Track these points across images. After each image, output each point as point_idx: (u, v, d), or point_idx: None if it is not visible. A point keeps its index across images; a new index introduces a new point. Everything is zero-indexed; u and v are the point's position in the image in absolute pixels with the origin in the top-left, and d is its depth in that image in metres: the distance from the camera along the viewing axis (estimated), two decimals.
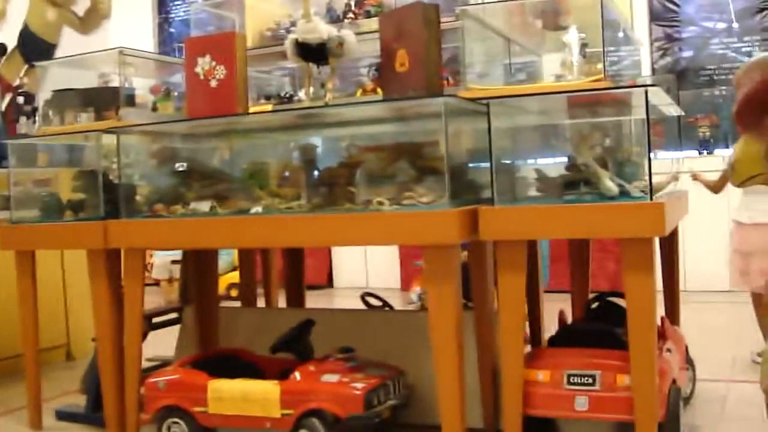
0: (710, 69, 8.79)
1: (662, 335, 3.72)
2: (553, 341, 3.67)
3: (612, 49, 3.80)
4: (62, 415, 4.44)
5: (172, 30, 11.72)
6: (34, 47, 7.80)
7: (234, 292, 7.90)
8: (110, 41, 7.75)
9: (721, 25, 8.75)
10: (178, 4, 11.67)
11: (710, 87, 8.65)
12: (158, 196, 3.91)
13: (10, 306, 4.57)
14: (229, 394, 3.57)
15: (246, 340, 4.27)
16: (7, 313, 4.89)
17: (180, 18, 11.60)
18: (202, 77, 3.69)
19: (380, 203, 3.30)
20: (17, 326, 4.28)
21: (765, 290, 4.89)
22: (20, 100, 7.01)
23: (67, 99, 4.33)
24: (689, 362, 4.20)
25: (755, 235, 4.76)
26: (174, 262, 8.16)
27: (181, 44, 3.76)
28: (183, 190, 3.90)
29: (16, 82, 7.67)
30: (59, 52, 7.61)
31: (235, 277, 7.74)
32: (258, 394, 3.51)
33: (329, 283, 9.71)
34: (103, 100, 4.23)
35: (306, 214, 3.45)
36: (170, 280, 8.66)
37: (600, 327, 3.63)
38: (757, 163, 2.02)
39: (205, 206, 3.72)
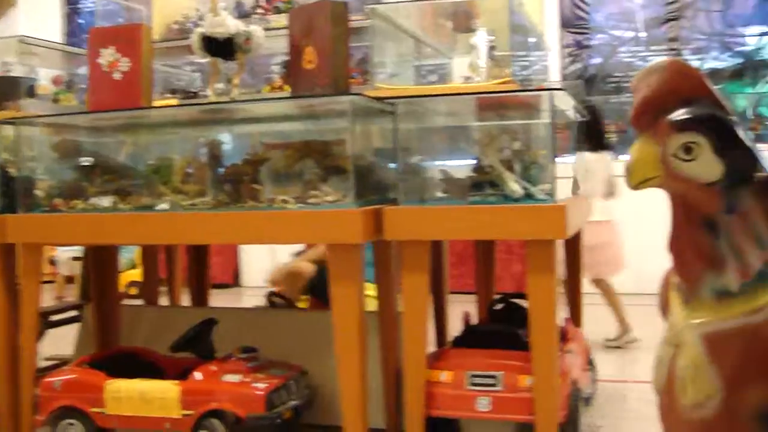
0: (618, 76, 8.96)
1: (564, 336, 3.77)
2: (458, 342, 3.68)
3: (521, 53, 3.84)
4: None
5: (81, 21, 11.44)
6: None
7: (133, 290, 7.74)
8: (17, 30, 7.54)
9: (629, 34, 8.94)
10: None
11: (618, 94, 8.83)
12: (58, 190, 3.78)
13: None
14: (128, 394, 3.48)
15: (147, 339, 4.18)
16: None
17: (89, 9, 11.32)
18: (105, 69, 3.59)
19: (285, 201, 3.26)
20: None
21: (606, 276, 5.68)
22: None
23: None
24: (591, 363, 4.26)
25: (594, 231, 5.17)
26: (75, 258, 7.99)
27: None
28: (84, 184, 3.79)
29: None
30: None
31: (135, 274, 7.60)
32: (157, 394, 3.43)
33: (236, 282, 9.61)
34: (2, 90, 4.10)
35: (210, 211, 3.40)
36: (70, 278, 8.47)
37: (503, 328, 3.65)
38: (653, 166, 2.04)
39: (106, 201, 3.63)
